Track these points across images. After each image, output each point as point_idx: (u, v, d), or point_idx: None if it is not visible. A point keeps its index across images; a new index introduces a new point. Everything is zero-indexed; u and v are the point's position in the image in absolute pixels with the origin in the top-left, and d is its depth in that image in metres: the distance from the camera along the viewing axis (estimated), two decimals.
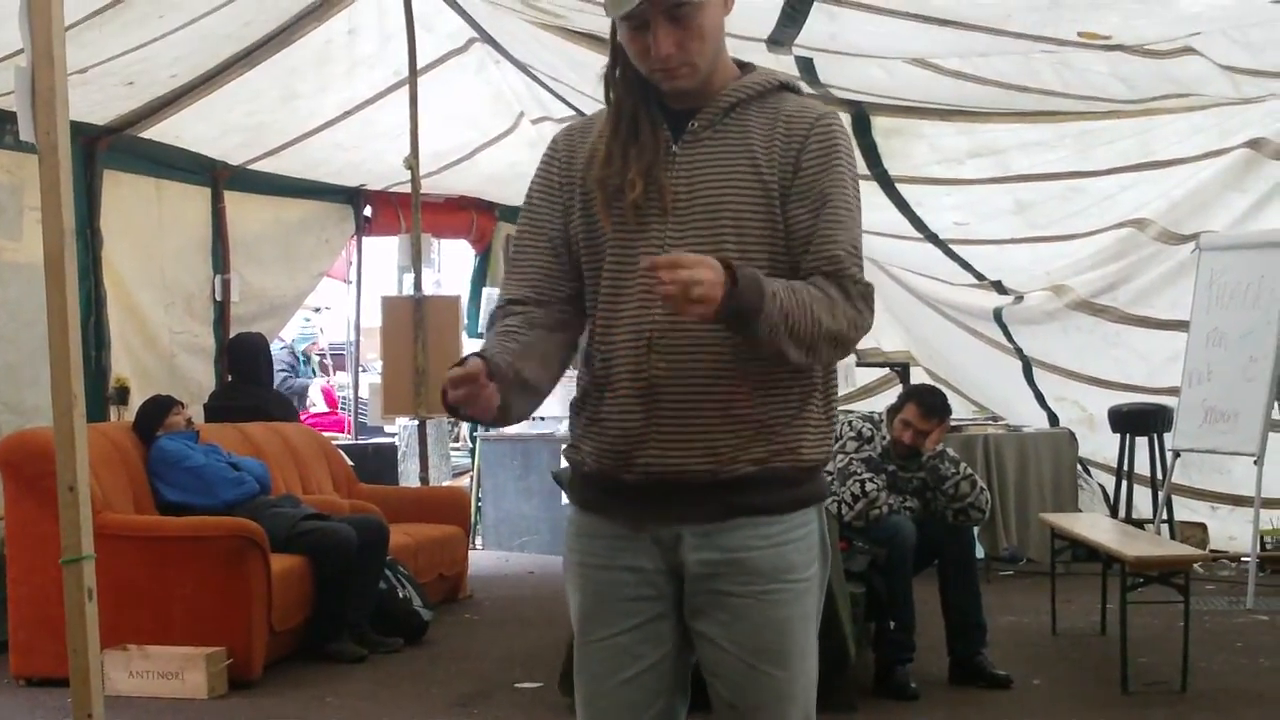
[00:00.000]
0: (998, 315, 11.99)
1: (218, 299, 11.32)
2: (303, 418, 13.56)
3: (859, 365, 13.04)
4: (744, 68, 3.06)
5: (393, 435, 14.51)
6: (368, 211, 13.28)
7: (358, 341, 14.75)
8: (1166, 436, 10.76)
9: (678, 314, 2.69)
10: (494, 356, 2.85)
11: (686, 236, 2.90)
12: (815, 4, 7.94)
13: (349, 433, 14.90)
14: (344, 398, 16.61)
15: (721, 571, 2.94)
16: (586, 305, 3.05)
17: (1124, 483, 11.07)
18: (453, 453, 14.90)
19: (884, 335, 13.32)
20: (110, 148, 10.03)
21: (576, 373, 3.09)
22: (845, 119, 9.92)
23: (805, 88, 3.25)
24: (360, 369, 15.14)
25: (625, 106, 2.99)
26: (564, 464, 10.46)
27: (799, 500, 2.99)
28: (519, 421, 3.04)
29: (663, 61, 2.89)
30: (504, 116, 12.05)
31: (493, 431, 13.41)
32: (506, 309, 3.08)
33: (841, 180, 2.95)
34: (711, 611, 2.96)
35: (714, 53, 2.95)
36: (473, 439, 13.66)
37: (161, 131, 10.37)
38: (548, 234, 3.08)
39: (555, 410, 12.75)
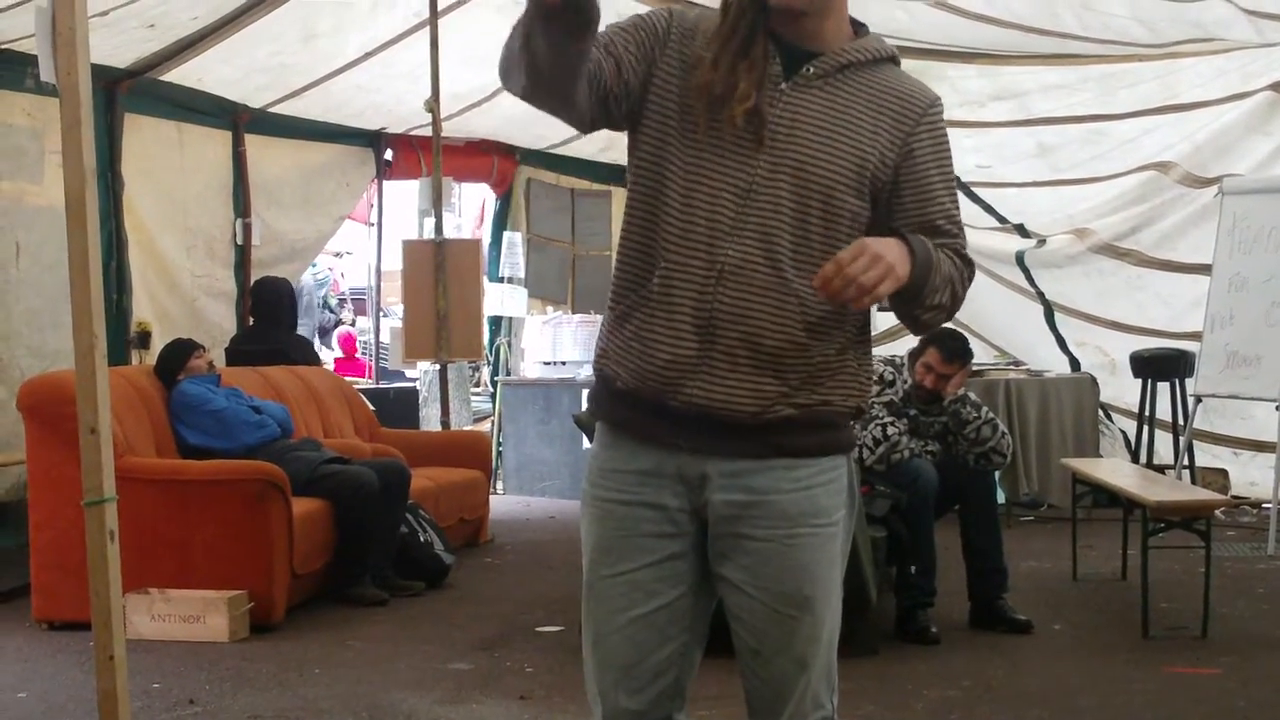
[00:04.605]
0: (1020, 259, 11.95)
1: (239, 243, 11.34)
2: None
3: (880, 310, 13.01)
4: (858, 29, 3.03)
5: (414, 380, 14.52)
6: (388, 155, 13.26)
7: (379, 286, 14.74)
8: (1188, 381, 10.74)
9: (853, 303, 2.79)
10: None
11: (776, 180, 2.87)
12: None
13: (370, 377, 14.90)
14: (365, 342, 16.59)
15: (746, 514, 2.93)
16: (632, 206, 2.97)
17: (1145, 428, 11.05)
18: (474, 397, 14.90)
19: None
20: (131, 91, 10.03)
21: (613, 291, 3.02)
22: None
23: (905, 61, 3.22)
24: (381, 313, 15.15)
25: (743, 22, 2.89)
26: (584, 406, 10.46)
27: (833, 444, 3.00)
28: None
29: None
30: None
31: (514, 376, 13.42)
32: None
33: (950, 172, 3.02)
34: (735, 556, 2.96)
35: None
36: (493, 384, 13.66)
37: (183, 74, 10.35)
38: (631, 43, 2.91)
39: (575, 355, 12.78)
